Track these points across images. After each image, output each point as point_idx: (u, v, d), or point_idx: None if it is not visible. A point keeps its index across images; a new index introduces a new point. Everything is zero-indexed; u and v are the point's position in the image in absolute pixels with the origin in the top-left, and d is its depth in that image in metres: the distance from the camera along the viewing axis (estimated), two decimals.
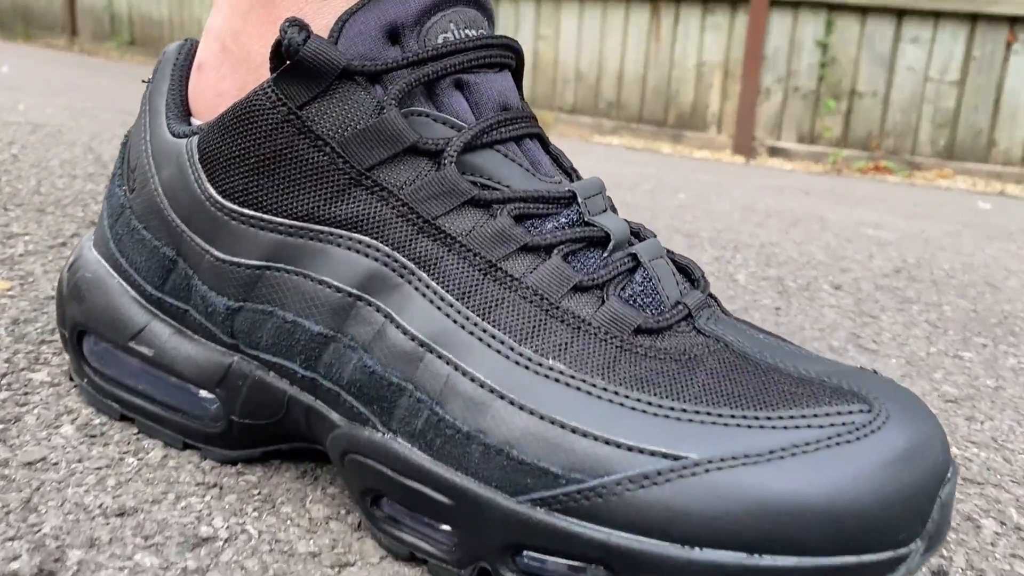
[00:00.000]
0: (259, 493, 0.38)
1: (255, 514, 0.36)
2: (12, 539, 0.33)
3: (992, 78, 3.09)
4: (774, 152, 3.43)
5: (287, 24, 0.33)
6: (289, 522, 0.36)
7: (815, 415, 0.31)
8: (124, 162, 0.42)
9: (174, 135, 0.39)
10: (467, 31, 0.37)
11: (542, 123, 3.42)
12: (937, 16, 3.10)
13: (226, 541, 0.34)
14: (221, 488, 0.38)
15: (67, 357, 0.49)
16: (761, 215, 1.59)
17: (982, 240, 1.61)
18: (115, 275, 0.42)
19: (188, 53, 0.42)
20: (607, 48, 3.71)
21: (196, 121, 0.40)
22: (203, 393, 0.40)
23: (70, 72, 3.34)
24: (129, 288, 0.41)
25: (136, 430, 0.42)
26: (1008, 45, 3.06)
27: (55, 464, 0.38)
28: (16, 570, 0.31)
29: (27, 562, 0.31)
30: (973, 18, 3.06)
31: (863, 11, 3.20)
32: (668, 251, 0.39)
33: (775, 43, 3.36)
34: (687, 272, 0.38)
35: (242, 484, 0.39)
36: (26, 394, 0.45)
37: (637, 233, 0.39)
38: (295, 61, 0.33)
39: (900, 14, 3.14)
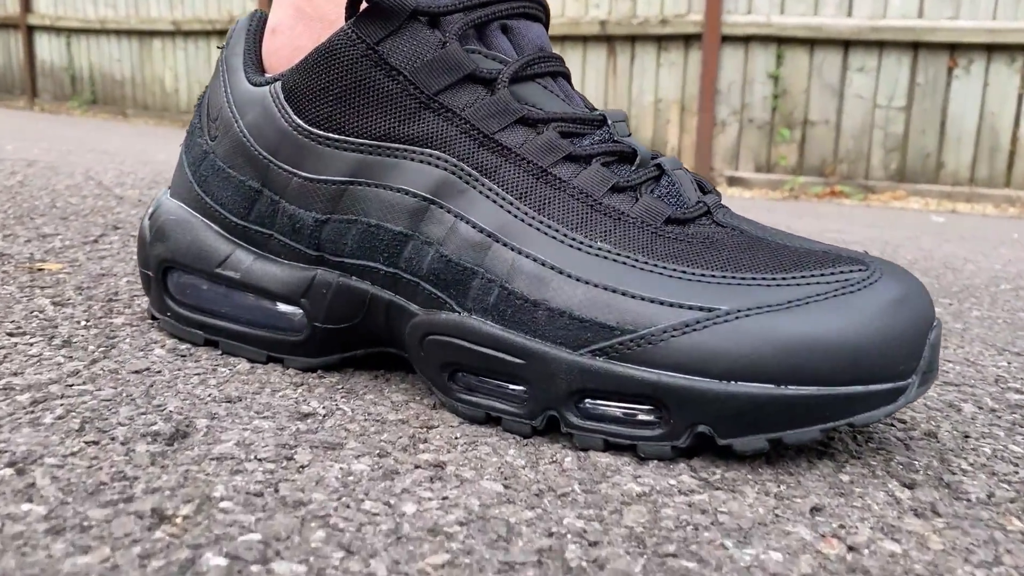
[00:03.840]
0: (342, 387, 0.44)
1: (344, 399, 0.42)
2: (144, 413, 0.38)
3: (937, 102, 3.23)
4: (733, 181, 3.54)
5: None
6: (375, 404, 0.42)
7: (821, 274, 0.38)
8: (203, 116, 0.48)
9: (254, 84, 0.45)
10: None
11: None
12: (881, 45, 3.24)
13: (325, 415, 0.40)
14: (309, 386, 0.44)
15: (143, 306, 0.55)
16: None
17: (939, 241, 1.71)
18: (197, 215, 0.47)
19: (259, 22, 0.49)
20: None
21: (271, 75, 0.47)
22: (284, 308, 0.45)
23: (41, 125, 3.38)
24: (212, 223, 0.47)
25: (220, 352, 0.48)
26: (949, 71, 3.21)
27: (159, 372, 0.44)
28: (157, 431, 0.36)
29: (164, 427, 0.36)
30: (915, 46, 3.20)
31: (811, 43, 3.33)
32: (684, 167, 0.45)
33: (728, 78, 3.49)
34: (701, 185, 0.45)
35: (326, 382, 0.44)
36: (113, 331, 0.50)
37: (655, 156, 0.45)
38: (372, 5, 0.40)
39: (846, 45, 3.28)
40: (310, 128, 0.42)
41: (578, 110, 0.43)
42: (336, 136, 0.42)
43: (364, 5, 0.41)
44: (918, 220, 2.43)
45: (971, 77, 3.19)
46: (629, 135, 0.45)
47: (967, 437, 0.45)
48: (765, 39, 3.40)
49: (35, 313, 0.52)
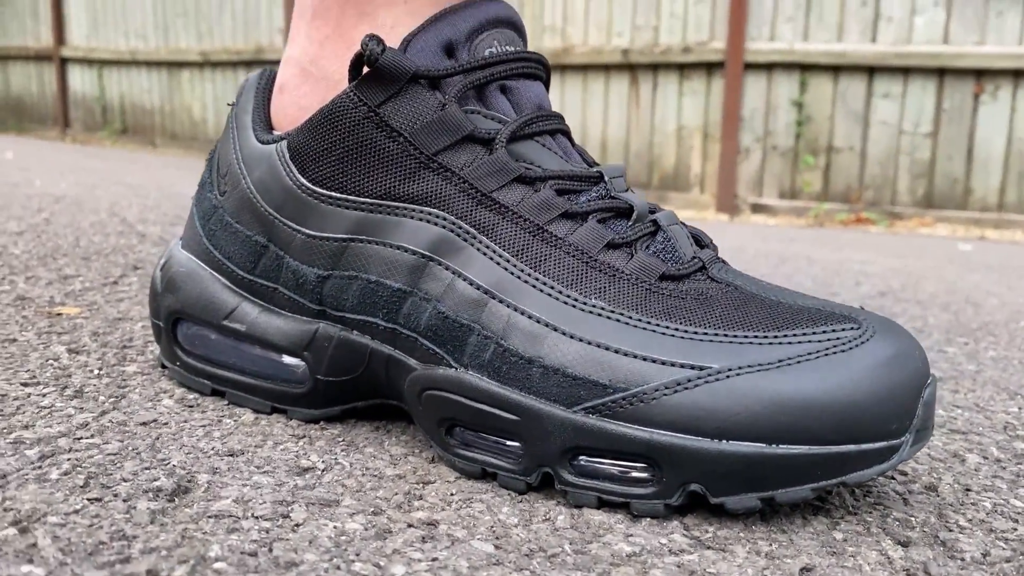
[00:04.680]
0: (343, 440, 0.45)
1: (344, 453, 0.43)
2: (148, 468, 0.39)
3: (963, 128, 3.21)
4: (757, 208, 3.53)
5: (367, 39, 0.41)
6: (374, 457, 0.43)
7: (814, 332, 0.38)
8: (213, 172, 0.49)
9: (262, 143, 0.46)
10: (507, 47, 0.45)
11: None
12: (906, 72, 3.23)
13: (324, 470, 0.41)
14: (310, 438, 0.45)
15: (155, 352, 0.56)
16: (750, 255, 1.67)
17: (964, 272, 1.69)
18: (206, 267, 0.48)
19: (268, 80, 0.50)
20: (589, 115, 3.82)
21: (278, 132, 0.48)
22: (288, 360, 0.46)
23: (70, 157, 3.44)
24: (220, 276, 0.48)
25: (226, 402, 0.49)
26: (976, 96, 3.19)
27: (166, 424, 0.45)
28: (159, 487, 0.37)
29: (166, 482, 0.37)
30: (940, 72, 3.18)
31: (835, 70, 3.33)
32: (681, 221, 0.46)
33: (751, 104, 3.48)
34: (698, 239, 0.46)
35: (328, 434, 0.45)
36: (124, 380, 0.51)
37: (653, 210, 0.46)
38: (374, 68, 0.41)
39: (871, 71, 3.27)
40: (313, 187, 0.43)
41: (576, 167, 0.44)
42: (338, 195, 0.43)
43: (366, 69, 0.42)
44: (944, 249, 2.41)
45: (998, 103, 3.16)
46: (627, 189, 0.45)
47: (968, 490, 0.44)
48: (788, 66, 3.39)
49: (50, 361, 0.54)
